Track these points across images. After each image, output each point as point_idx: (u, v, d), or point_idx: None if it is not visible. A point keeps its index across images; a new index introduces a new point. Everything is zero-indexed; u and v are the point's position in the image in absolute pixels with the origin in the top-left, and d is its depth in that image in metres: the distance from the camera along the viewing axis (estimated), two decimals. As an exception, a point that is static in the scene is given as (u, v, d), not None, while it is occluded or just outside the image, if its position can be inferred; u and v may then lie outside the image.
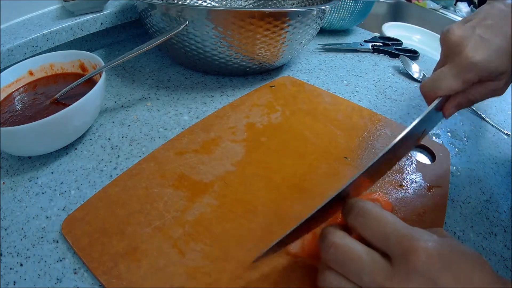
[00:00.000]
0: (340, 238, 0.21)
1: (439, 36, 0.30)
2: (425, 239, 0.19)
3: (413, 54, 0.61)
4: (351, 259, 0.20)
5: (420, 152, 0.39)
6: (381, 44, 0.64)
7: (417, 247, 0.18)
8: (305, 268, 0.26)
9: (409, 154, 0.38)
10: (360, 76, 0.54)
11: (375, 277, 0.19)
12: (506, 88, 0.30)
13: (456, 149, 0.42)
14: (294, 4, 0.62)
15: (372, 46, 0.63)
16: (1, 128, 0.28)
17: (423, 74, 0.56)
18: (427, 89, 0.29)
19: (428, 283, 0.18)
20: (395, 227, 0.20)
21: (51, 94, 0.37)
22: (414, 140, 0.29)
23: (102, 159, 0.35)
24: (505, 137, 0.46)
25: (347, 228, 0.22)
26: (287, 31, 0.43)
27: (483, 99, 0.29)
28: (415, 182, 0.34)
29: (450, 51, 0.29)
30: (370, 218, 0.21)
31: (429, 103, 0.29)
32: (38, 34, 0.44)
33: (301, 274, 0.25)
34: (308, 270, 0.26)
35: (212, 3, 0.64)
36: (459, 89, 0.28)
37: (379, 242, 0.20)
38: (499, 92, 0.30)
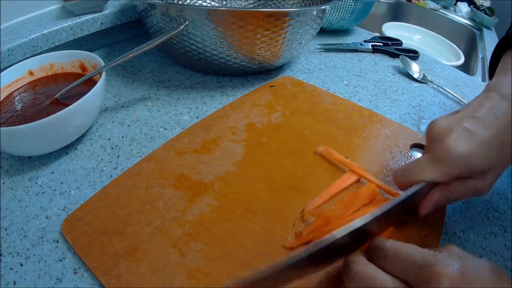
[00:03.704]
0: (363, 267, 0.21)
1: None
2: (443, 264, 0.19)
3: (413, 54, 0.61)
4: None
5: (420, 152, 0.39)
6: (381, 44, 0.64)
7: (436, 274, 0.18)
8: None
9: (409, 154, 0.38)
10: (360, 76, 0.54)
11: None
12: (491, 188, 0.27)
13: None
14: (294, 4, 0.62)
15: (372, 46, 0.63)
16: (1, 128, 0.28)
17: (423, 74, 0.56)
18: (399, 177, 0.27)
19: None
20: (412, 260, 0.20)
21: (51, 94, 0.37)
22: (391, 223, 0.28)
23: (102, 159, 0.35)
24: None
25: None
26: (287, 31, 0.43)
27: (465, 199, 0.27)
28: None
29: (432, 141, 0.27)
30: (389, 257, 0.21)
31: (402, 190, 0.26)
32: (38, 34, 0.44)
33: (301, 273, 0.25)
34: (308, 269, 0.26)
35: (212, 3, 0.64)
36: (435, 180, 0.25)
37: (401, 277, 0.20)
38: (483, 191, 0.26)
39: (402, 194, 0.25)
